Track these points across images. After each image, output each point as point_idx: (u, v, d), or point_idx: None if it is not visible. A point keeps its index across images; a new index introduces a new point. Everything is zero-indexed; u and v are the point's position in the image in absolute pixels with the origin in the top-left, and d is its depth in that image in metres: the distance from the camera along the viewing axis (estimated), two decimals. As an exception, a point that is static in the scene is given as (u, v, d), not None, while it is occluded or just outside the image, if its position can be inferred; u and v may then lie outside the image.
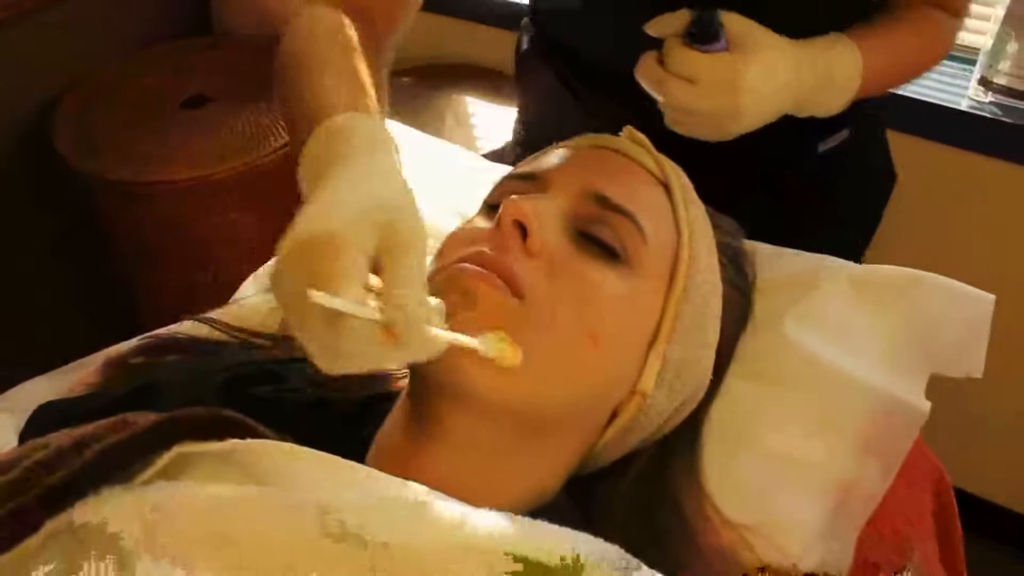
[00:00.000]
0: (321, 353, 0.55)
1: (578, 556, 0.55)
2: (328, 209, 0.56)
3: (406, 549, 0.54)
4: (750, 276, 0.88)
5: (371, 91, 0.69)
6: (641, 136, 0.82)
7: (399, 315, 0.53)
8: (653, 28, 0.82)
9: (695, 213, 0.77)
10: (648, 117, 0.84)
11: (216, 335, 0.92)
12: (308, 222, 0.55)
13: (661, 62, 0.80)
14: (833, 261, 0.94)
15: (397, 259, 0.55)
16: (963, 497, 0.98)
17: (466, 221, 0.75)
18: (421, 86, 1.83)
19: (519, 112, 1.21)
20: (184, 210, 1.66)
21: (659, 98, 0.81)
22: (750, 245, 0.91)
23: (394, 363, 0.57)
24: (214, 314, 0.95)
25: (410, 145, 1.16)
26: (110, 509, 0.57)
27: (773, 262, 0.92)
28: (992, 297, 0.91)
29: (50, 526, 0.57)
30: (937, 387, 0.90)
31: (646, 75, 0.81)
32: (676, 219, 0.75)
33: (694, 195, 0.79)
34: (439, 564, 0.55)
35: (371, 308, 0.53)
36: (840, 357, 0.85)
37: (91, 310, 1.85)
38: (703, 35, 0.79)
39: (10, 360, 1.83)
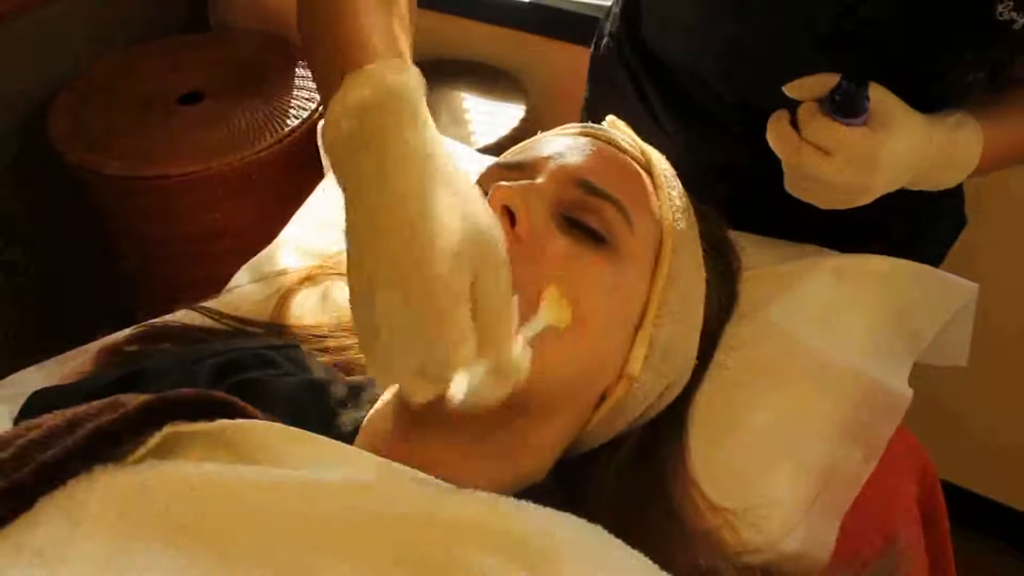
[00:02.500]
0: (410, 391, 0.56)
1: None
2: (429, 239, 0.52)
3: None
4: (735, 264, 0.89)
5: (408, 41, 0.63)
6: (623, 124, 0.83)
7: (504, 367, 0.56)
8: (795, 90, 0.79)
9: (678, 199, 0.78)
10: (737, 154, 0.82)
11: (210, 323, 0.93)
12: (420, 266, 0.51)
13: (793, 123, 0.78)
14: (818, 250, 0.95)
15: (496, 310, 0.54)
16: (955, 491, 0.99)
17: None
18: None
19: (585, 109, 1.17)
20: (181, 204, 1.67)
21: (788, 162, 0.79)
22: (735, 234, 0.92)
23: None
24: (208, 303, 0.96)
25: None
26: (102, 487, 0.59)
27: (758, 250, 0.93)
28: (975, 286, 0.92)
29: (44, 502, 0.58)
30: (927, 378, 0.91)
31: (781, 140, 0.78)
32: (660, 205, 0.76)
33: (677, 182, 0.80)
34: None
35: (481, 373, 0.55)
36: (824, 343, 0.87)
37: (89, 303, 1.86)
38: (848, 107, 0.76)
39: (8, 352, 1.85)
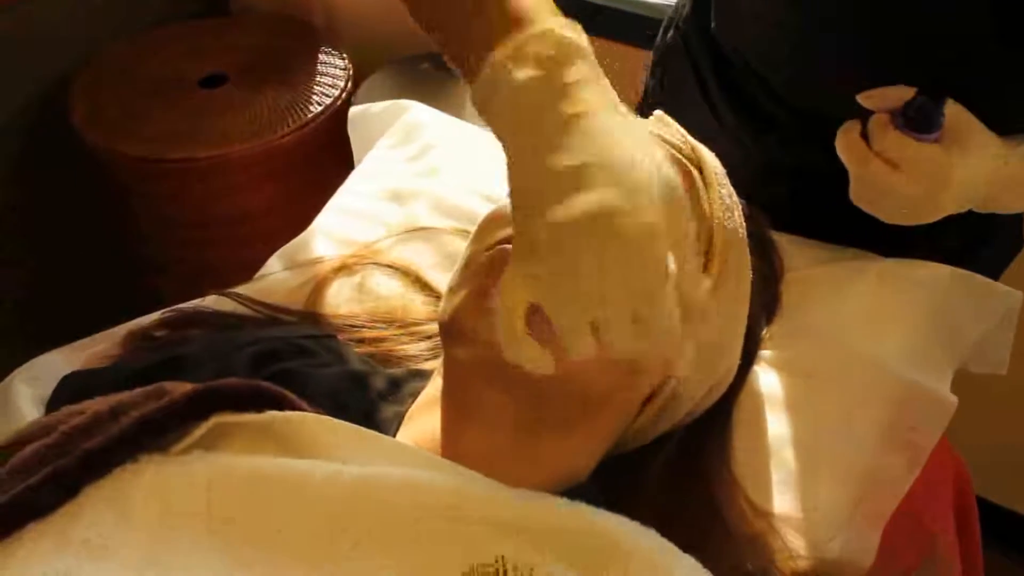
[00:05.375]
0: (583, 346, 0.55)
1: None
2: (641, 188, 0.53)
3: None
4: (778, 265, 0.88)
5: None
6: (672, 120, 0.81)
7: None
8: (870, 101, 0.77)
9: (728, 198, 0.77)
10: (792, 156, 0.81)
11: (241, 310, 0.91)
12: (636, 213, 0.53)
13: (863, 134, 0.77)
14: (860, 254, 0.94)
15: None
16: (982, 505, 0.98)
17: (503, 203, 0.74)
18: (441, 71, 1.82)
19: (644, 99, 1.14)
20: (201, 188, 1.66)
21: (856, 173, 0.78)
22: (779, 236, 0.91)
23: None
24: (239, 289, 0.94)
25: (437, 127, 1.15)
26: (148, 477, 0.58)
27: (803, 252, 0.92)
28: (1020, 294, 0.91)
29: (88, 491, 0.57)
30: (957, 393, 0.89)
31: (850, 150, 0.77)
32: (710, 203, 0.75)
33: (726, 180, 0.78)
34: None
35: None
36: (867, 348, 0.86)
37: (110, 285, 1.85)
38: (922, 122, 0.74)
39: (29, 335, 1.84)
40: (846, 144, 0.77)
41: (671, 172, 0.56)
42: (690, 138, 0.79)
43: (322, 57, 1.86)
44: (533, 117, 0.55)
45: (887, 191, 0.76)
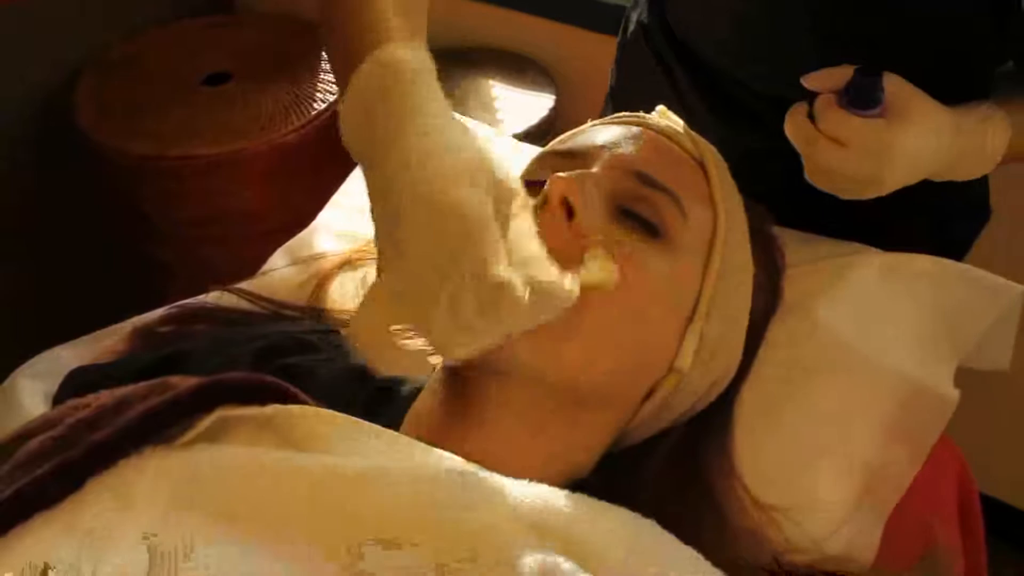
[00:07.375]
0: (448, 337, 0.55)
1: None
2: (444, 173, 0.55)
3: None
4: (779, 261, 0.88)
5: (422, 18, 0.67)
6: (675, 116, 0.82)
7: (542, 287, 0.56)
8: (812, 82, 0.78)
9: (730, 193, 0.77)
10: (760, 143, 0.82)
11: (245, 305, 0.92)
12: (441, 194, 0.54)
13: (810, 115, 0.78)
14: (863, 248, 0.94)
15: (520, 230, 0.57)
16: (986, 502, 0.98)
17: None
18: (443, 69, 1.83)
19: (612, 96, 1.16)
20: (205, 185, 1.66)
21: (803, 152, 0.79)
22: (779, 231, 0.91)
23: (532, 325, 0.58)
24: (243, 285, 0.95)
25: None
26: (153, 469, 0.58)
27: (803, 248, 0.92)
28: (1022, 288, 0.91)
29: (93, 483, 0.57)
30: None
31: (797, 131, 0.79)
32: (712, 198, 0.75)
33: (728, 175, 0.79)
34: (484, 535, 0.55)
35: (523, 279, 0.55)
36: (869, 343, 0.86)
37: (113, 283, 1.85)
38: (863, 99, 0.75)
39: (31, 334, 1.84)
40: (793, 124, 0.79)
41: (495, 157, 0.58)
42: (690, 131, 0.79)
43: (325, 55, 1.86)
44: (363, 139, 0.59)
45: (835, 168, 0.77)
